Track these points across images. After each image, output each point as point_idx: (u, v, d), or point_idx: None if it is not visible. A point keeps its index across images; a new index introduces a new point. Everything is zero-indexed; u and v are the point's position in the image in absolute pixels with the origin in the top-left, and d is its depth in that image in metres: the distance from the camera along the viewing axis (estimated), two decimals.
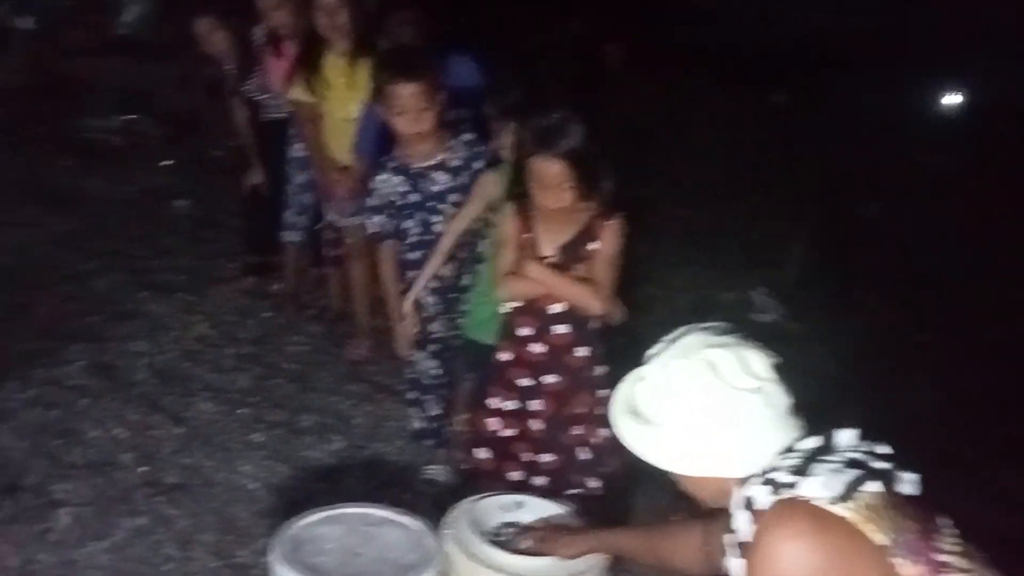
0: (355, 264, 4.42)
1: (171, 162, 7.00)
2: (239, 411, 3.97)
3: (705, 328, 1.75)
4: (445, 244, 3.37)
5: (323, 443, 3.81)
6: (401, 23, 4.13)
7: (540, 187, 2.84)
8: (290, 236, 4.81)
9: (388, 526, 2.71)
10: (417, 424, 3.66)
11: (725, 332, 1.73)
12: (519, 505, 2.77)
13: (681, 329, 1.77)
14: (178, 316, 4.73)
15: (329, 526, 2.67)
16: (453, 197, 3.37)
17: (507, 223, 2.98)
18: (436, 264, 3.39)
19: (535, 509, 2.76)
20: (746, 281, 5.65)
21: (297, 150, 4.60)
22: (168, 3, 8.40)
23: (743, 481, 1.64)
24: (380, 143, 3.67)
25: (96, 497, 3.34)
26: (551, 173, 2.80)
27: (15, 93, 8.46)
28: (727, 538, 1.68)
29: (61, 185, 6.38)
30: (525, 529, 2.55)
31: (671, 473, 1.73)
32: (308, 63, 4.12)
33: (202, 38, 4.64)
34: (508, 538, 2.67)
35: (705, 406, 1.64)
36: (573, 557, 2.38)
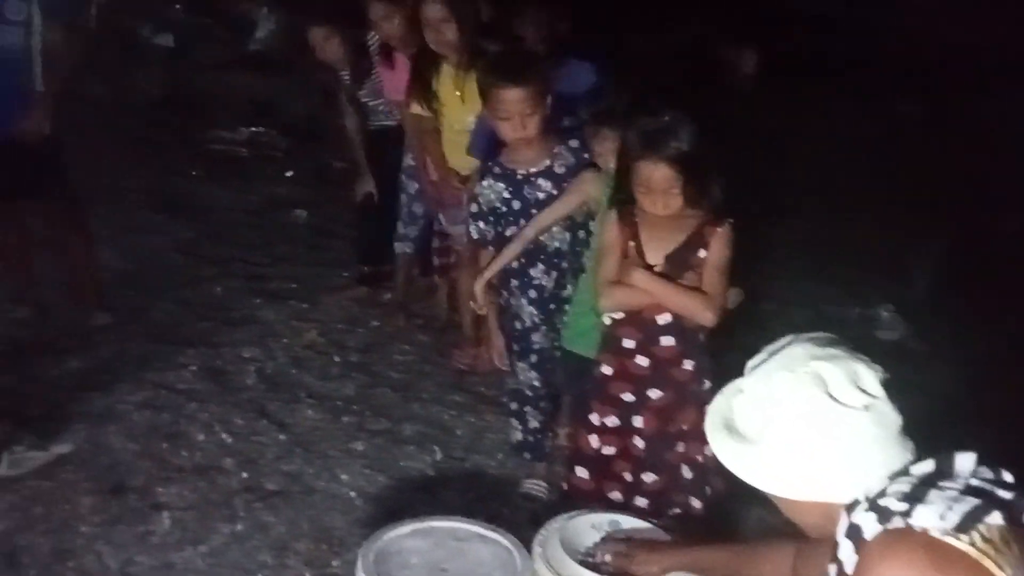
0: (463, 272, 4.37)
1: (292, 173, 7.11)
2: (342, 419, 3.96)
3: (811, 339, 1.61)
4: (528, 234, 3.27)
5: (423, 453, 3.77)
6: (523, 26, 4.09)
7: (647, 192, 2.74)
8: (401, 247, 4.80)
9: (477, 541, 2.63)
10: (518, 436, 3.57)
11: (832, 344, 1.60)
12: (614, 524, 2.66)
13: (785, 339, 1.65)
14: (289, 323, 4.77)
15: (417, 539, 2.61)
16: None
17: (610, 230, 2.89)
18: (512, 253, 3.28)
19: (630, 529, 2.65)
20: (871, 298, 5.39)
21: (409, 160, 4.59)
22: (298, 19, 8.59)
23: (849, 507, 1.49)
24: (489, 149, 3.62)
25: (198, 501, 3.36)
26: (659, 177, 2.70)
27: (150, 106, 8.78)
28: (831, 570, 1.52)
29: (186, 194, 6.56)
30: (605, 542, 2.40)
31: (771, 496, 1.60)
32: (420, 78, 4.08)
33: (317, 46, 4.68)
34: (596, 557, 2.57)
35: (810, 423, 1.51)
36: (652, 575, 2.25)
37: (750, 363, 1.66)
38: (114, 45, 8.52)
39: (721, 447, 1.62)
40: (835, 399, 1.50)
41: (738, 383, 1.66)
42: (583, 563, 2.49)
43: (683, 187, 2.70)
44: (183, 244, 5.63)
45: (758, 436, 1.57)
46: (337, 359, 4.46)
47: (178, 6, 11.44)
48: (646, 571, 2.25)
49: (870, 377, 1.53)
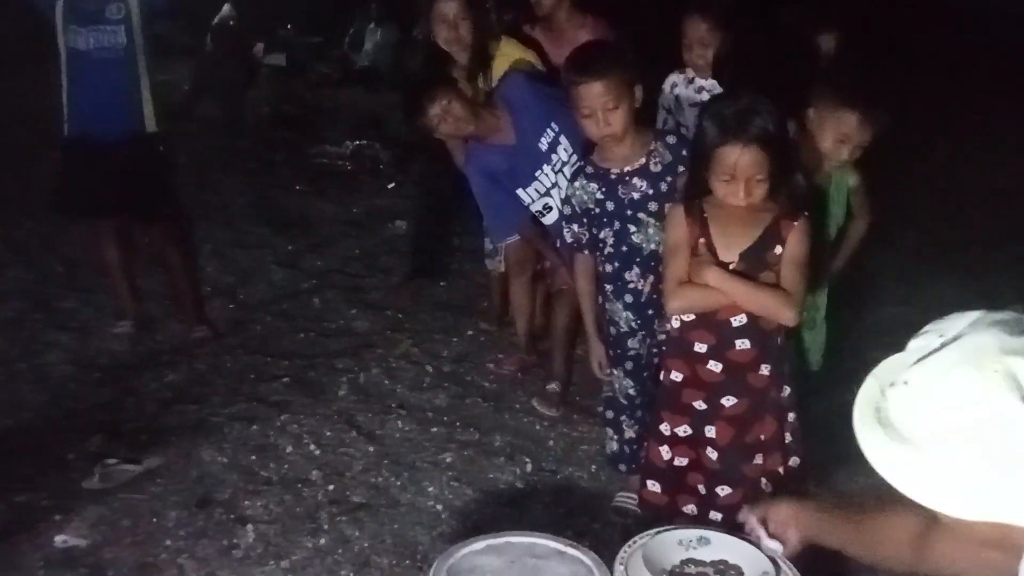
0: (514, 281, 4.27)
1: (394, 184, 7.11)
2: (432, 430, 3.87)
3: (998, 322, 1.29)
4: None
5: (513, 465, 3.65)
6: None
7: (730, 181, 2.55)
8: (492, 264, 4.68)
9: (556, 559, 2.48)
10: (613, 447, 3.41)
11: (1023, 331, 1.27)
12: (703, 541, 2.48)
13: (960, 318, 1.33)
14: (384, 333, 4.73)
15: (491, 556, 2.47)
16: (653, 205, 3.10)
17: (677, 227, 2.70)
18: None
19: (720, 546, 2.46)
20: (999, 299, 5.02)
21: None
22: (406, 36, 8.64)
23: None
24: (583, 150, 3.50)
25: (283, 514, 3.32)
26: (745, 163, 2.51)
27: (261, 124, 8.97)
28: None
29: (291, 208, 6.63)
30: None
31: (931, 510, 1.30)
32: (435, 79, 3.87)
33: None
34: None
35: (1002, 434, 1.21)
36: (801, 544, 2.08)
37: (913, 343, 1.35)
38: (228, 66, 8.73)
39: (876, 449, 1.31)
40: None
41: (900, 370, 1.33)
42: None
43: (769, 173, 2.50)
44: (284, 257, 5.66)
45: (927, 441, 1.27)
46: (430, 369, 4.38)
47: (290, 26, 11.72)
48: (782, 533, 2.11)
49: None
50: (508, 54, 3.98)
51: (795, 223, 2.61)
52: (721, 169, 2.54)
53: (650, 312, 3.20)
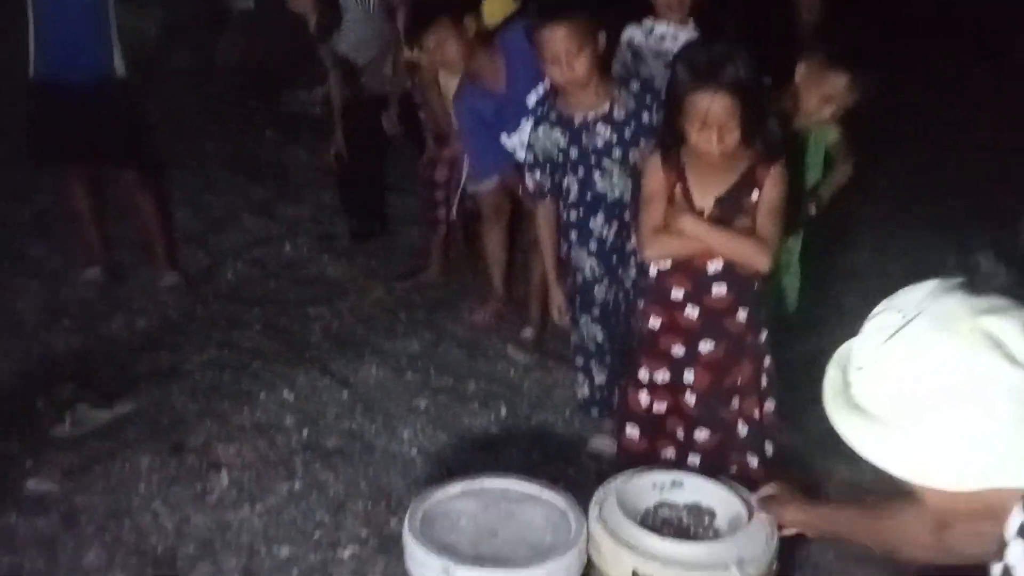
0: (489, 229, 4.26)
1: None
2: (406, 376, 3.87)
3: (956, 286, 1.27)
4: None
5: (488, 411, 3.65)
6: None
7: (702, 128, 2.53)
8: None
9: (530, 503, 2.50)
10: (584, 393, 3.42)
11: (985, 291, 1.25)
12: (676, 484, 2.50)
13: (914, 291, 1.30)
14: (357, 280, 4.70)
15: (467, 500, 2.49)
16: (617, 152, 3.09)
17: (654, 175, 2.69)
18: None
19: (694, 488, 2.49)
20: (970, 243, 5.06)
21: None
22: None
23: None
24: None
25: (256, 460, 3.32)
26: (717, 109, 2.49)
27: (230, 70, 8.81)
28: (994, 570, 1.28)
29: (263, 155, 6.55)
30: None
31: (917, 487, 1.28)
32: (418, 21, 3.81)
33: None
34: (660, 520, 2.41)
35: (987, 395, 1.18)
36: (794, 526, 2.20)
37: (870, 324, 1.31)
38: (196, 11, 8.55)
39: (852, 431, 1.27)
40: (1015, 361, 1.19)
41: (856, 347, 1.31)
42: (642, 525, 2.35)
43: (741, 120, 2.49)
44: (256, 204, 5.60)
45: (904, 414, 1.23)
46: (403, 316, 4.37)
47: None
48: (788, 519, 2.20)
49: None
50: None
51: (771, 168, 2.60)
52: (694, 116, 2.53)
53: (615, 259, 3.20)
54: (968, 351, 1.20)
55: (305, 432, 3.47)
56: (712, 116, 2.50)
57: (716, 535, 2.37)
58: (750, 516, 2.37)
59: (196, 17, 8.57)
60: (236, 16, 10.25)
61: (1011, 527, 1.24)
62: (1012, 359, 1.19)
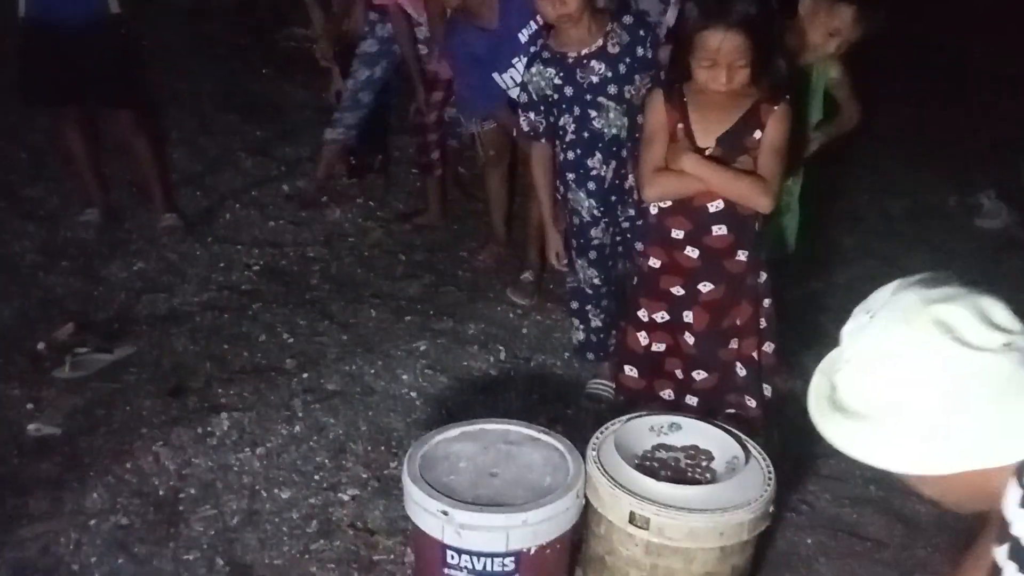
0: (491, 171, 4.23)
1: None
2: (406, 319, 3.87)
3: (918, 281, 1.32)
4: None
5: (487, 353, 3.66)
6: None
7: (711, 66, 2.50)
8: (333, 133, 4.80)
9: (529, 445, 2.52)
10: (580, 336, 3.42)
11: (945, 281, 1.31)
12: (674, 427, 2.52)
13: (883, 291, 1.35)
14: (356, 223, 4.68)
15: (466, 442, 2.50)
16: (612, 89, 3.05)
17: (656, 112, 2.66)
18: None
19: (691, 431, 2.50)
20: (973, 185, 5.04)
21: (369, 45, 4.55)
22: None
23: (1020, 471, 1.25)
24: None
25: (256, 402, 3.33)
26: (728, 47, 2.46)
27: (225, 7, 8.67)
28: (999, 553, 1.29)
29: (260, 94, 6.44)
30: None
31: (906, 477, 1.31)
32: None
33: None
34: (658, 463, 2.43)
35: (943, 379, 1.23)
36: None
37: (846, 329, 1.36)
38: None
39: (838, 433, 1.31)
40: (967, 344, 1.23)
41: (838, 354, 1.37)
42: (639, 468, 2.37)
43: (751, 58, 2.45)
44: (253, 144, 5.54)
45: (879, 409, 1.28)
46: (403, 258, 4.36)
47: None
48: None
49: (1001, 310, 1.27)
50: None
51: (775, 107, 2.57)
52: (703, 54, 2.50)
53: (613, 199, 3.17)
54: (923, 339, 1.25)
55: (305, 374, 3.48)
56: (723, 55, 2.47)
57: (713, 477, 2.40)
58: (747, 459, 2.39)
59: None
60: None
61: (1010, 503, 1.25)
62: (964, 342, 1.23)
